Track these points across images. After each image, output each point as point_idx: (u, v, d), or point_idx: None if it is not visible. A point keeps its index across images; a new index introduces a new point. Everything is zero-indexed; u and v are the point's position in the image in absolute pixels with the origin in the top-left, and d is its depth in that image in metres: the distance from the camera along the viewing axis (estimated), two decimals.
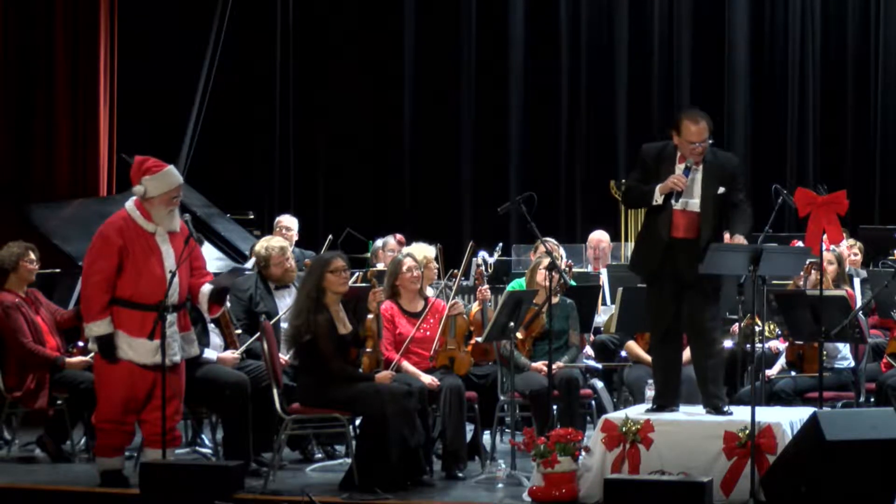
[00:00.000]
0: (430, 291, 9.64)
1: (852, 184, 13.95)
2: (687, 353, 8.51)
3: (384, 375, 8.59)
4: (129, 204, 8.36)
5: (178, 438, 8.74)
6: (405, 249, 9.86)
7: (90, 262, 8.30)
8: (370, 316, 8.74)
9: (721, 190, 8.04)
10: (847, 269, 10.40)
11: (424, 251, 9.71)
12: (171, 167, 8.44)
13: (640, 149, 8.36)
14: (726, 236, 8.21)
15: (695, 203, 8.05)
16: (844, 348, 9.68)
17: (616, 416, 8.12)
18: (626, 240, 14.51)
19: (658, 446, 7.83)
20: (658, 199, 8.02)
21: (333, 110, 15.96)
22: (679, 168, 8.03)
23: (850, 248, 11.06)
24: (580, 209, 15.57)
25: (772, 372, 9.76)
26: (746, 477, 7.60)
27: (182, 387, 8.45)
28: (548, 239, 9.89)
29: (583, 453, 7.93)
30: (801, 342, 9.55)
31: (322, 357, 8.44)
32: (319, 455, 9.61)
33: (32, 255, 9.76)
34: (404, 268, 9.29)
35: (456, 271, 9.82)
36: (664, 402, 8.23)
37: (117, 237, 8.24)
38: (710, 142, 8.08)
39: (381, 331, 8.79)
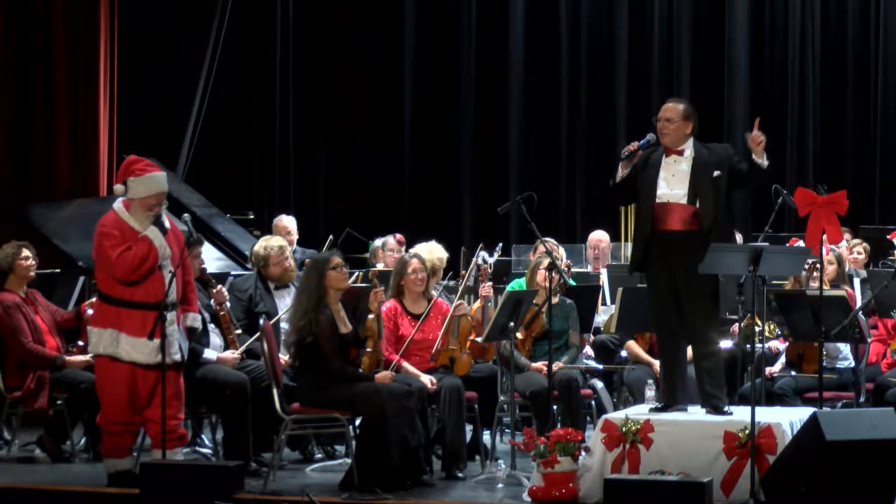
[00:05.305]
0: (432, 291, 9.61)
1: (852, 184, 13.95)
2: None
3: (384, 375, 8.58)
4: (118, 205, 8.33)
5: (185, 437, 8.70)
6: (414, 249, 9.78)
7: (113, 254, 8.13)
8: (371, 316, 8.73)
9: (717, 173, 8.07)
10: (847, 269, 10.39)
11: (437, 252, 9.66)
12: (158, 174, 8.33)
13: None
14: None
15: (674, 194, 8.08)
16: (845, 348, 9.68)
17: (616, 416, 8.11)
18: (626, 240, 14.50)
19: (658, 446, 7.82)
20: (618, 176, 8.14)
21: (333, 110, 15.96)
22: (665, 161, 8.14)
23: (852, 248, 11.06)
24: (580, 209, 15.56)
25: (773, 369, 9.77)
26: (746, 477, 7.60)
27: (181, 386, 8.42)
28: (548, 239, 9.88)
29: (583, 453, 7.92)
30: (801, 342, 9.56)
31: (322, 357, 8.43)
32: (319, 455, 9.61)
33: (26, 252, 9.69)
34: (410, 269, 9.27)
35: (463, 272, 9.79)
36: (666, 401, 8.24)
37: (116, 232, 8.22)
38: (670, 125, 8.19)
39: (382, 331, 8.78)
